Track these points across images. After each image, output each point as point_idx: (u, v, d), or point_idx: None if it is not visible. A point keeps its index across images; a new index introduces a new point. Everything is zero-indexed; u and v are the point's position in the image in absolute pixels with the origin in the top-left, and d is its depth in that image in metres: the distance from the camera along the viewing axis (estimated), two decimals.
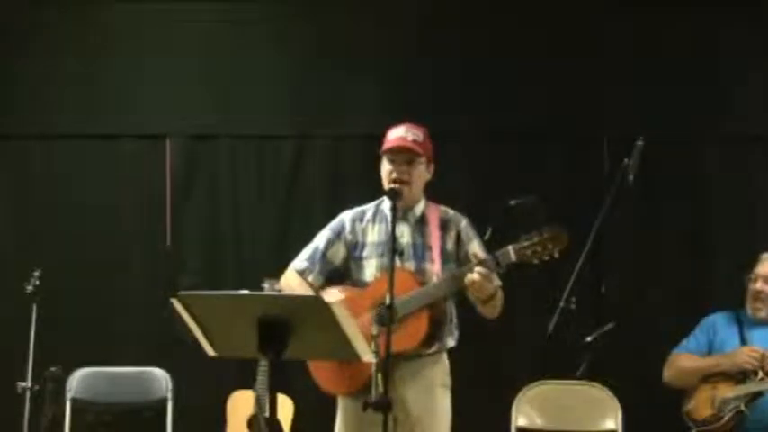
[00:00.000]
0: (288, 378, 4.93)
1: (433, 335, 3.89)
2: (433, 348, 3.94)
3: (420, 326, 3.82)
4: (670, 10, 5.68)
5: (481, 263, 3.77)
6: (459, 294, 3.93)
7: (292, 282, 4.08)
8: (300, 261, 4.10)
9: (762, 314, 4.84)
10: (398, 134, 3.95)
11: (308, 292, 3.99)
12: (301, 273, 4.07)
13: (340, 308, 3.03)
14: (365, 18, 5.75)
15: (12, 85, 5.75)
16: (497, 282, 3.89)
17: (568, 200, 5.35)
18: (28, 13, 5.74)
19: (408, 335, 3.78)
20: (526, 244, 3.74)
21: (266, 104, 5.73)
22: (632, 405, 4.91)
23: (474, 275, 3.73)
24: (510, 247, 3.77)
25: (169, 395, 5.25)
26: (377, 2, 5.80)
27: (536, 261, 3.75)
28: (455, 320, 4.04)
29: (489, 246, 3.91)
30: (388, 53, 5.74)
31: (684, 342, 4.96)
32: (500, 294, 3.90)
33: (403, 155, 3.92)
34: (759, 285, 4.85)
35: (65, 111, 5.70)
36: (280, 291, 4.23)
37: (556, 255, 3.74)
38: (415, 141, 3.93)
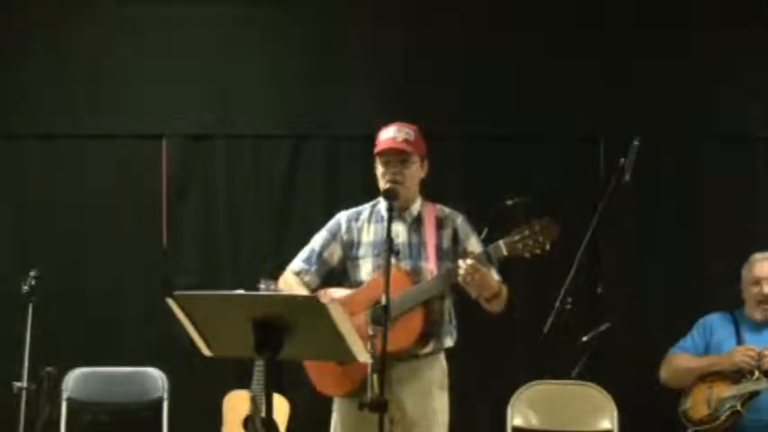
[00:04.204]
0: (284, 378, 4.93)
1: (428, 333, 3.89)
2: (429, 347, 3.94)
3: (414, 324, 3.83)
4: (669, 9, 5.68)
5: (472, 257, 3.77)
6: (459, 292, 3.93)
7: (291, 282, 4.10)
8: (297, 262, 4.12)
9: None
10: (389, 135, 3.96)
11: (306, 292, 3.99)
12: (298, 274, 4.09)
13: (336, 308, 3.04)
14: (364, 18, 5.75)
15: (12, 85, 5.75)
16: (497, 277, 3.88)
17: (565, 199, 5.34)
18: (28, 13, 5.73)
19: (403, 333, 3.78)
20: (517, 237, 3.75)
21: (263, 104, 5.73)
22: (628, 405, 4.91)
23: (460, 269, 3.73)
24: (501, 242, 3.79)
25: (165, 395, 5.26)
26: (376, 2, 5.79)
27: (527, 254, 3.76)
28: (453, 320, 4.05)
29: (486, 245, 3.91)
30: (388, 53, 5.74)
31: (681, 342, 4.96)
32: (505, 290, 3.90)
33: (395, 156, 3.92)
34: (766, 289, 4.83)
35: (62, 111, 5.70)
36: (276, 291, 4.24)
37: (547, 248, 3.75)
38: (406, 141, 3.93)
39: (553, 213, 3.83)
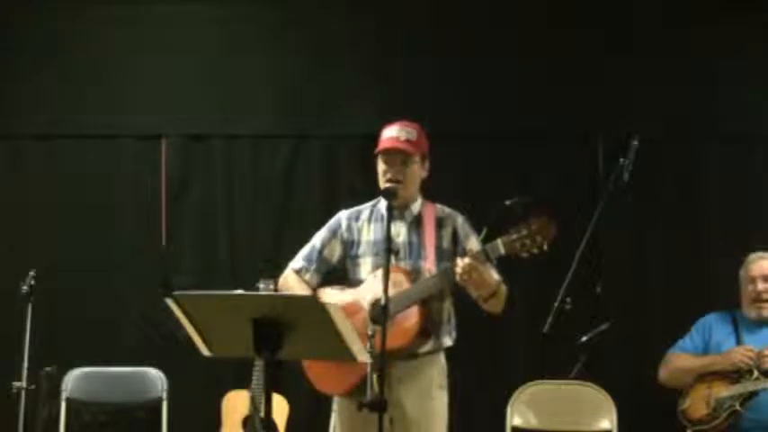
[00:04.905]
0: (283, 378, 4.92)
1: (426, 331, 3.89)
2: (428, 346, 3.94)
3: (412, 322, 3.83)
4: (669, 9, 5.68)
5: (470, 256, 3.77)
6: (459, 292, 3.92)
7: (290, 281, 4.10)
8: (297, 261, 4.12)
9: None
10: (391, 134, 3.95)
11: (306, 291, 3.99)
12: (298, 272, 4.09)
13: (335, 308, 3.05)
14: (364, 18, 5.75)
15: (11, 85, 5.74)
16: (496, 276, 3.88)
17: (565, 199, 5.34)
18: (28, 13, 5.73)
19: (401, 331, 3.78)
20: (515, 236, 3.75)
21: (262, 104, 5.73)
22: (627, 405, 4.92)
23: (458, 268, 3.73)
24: (499, 240, 3.79)
25: (164, 395, 5.27)
26: (376, 2, 5.79)
27: (525, 254, 3.76)
28: (453, 320, 4.04)
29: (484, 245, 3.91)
30: (388, 53, 5.73)
31: (680, 342, 4.96)
32: (503, 289, 3.90)
33: (396, 155, 3.92)
34: (761, 286, 4.83)
35: (62, 110, 5.69)
36: (275, 291, 4.24)
37: (545, 247, 3.75)
38: (408, 141, 3.93)
39: (553, 213, 3.83)
